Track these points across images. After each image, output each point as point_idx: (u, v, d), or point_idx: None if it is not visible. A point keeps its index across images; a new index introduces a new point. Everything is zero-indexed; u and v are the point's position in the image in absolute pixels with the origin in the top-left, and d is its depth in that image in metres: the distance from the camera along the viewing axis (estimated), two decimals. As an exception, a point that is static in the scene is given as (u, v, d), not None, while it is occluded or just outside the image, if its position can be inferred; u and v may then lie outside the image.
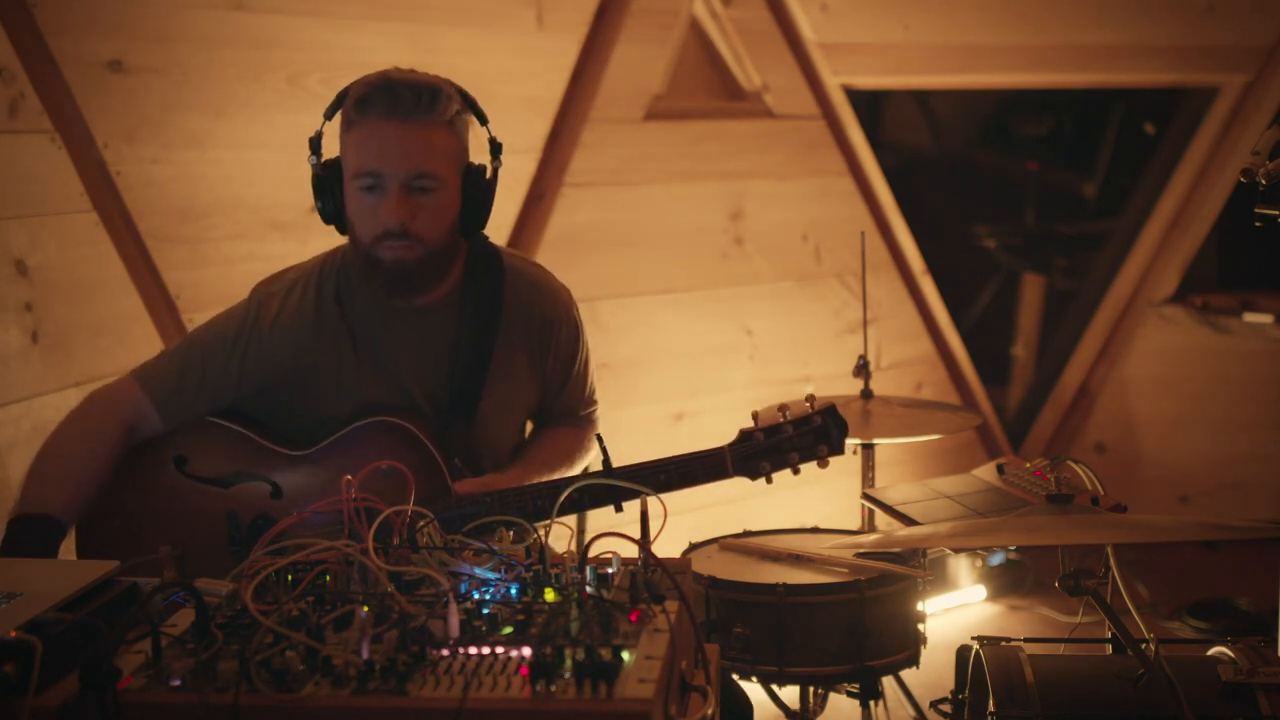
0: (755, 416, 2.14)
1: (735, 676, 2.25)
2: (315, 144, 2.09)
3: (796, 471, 2.15)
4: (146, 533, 2.08)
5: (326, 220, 2.13)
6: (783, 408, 2.14)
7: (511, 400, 2.25)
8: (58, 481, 2.08)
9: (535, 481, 2.20)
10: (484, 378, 2.18)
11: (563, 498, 1.82)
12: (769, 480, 2.13)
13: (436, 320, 2.17)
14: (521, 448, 2.34)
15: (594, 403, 2.41)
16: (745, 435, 2.13)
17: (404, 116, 2.00)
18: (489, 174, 2.12)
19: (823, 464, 2.14)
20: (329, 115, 2.08)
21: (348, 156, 2.07)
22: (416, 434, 2.09)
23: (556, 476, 2.28)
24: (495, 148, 2.14)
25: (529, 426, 2.39)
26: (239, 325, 2.16)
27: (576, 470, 2.35)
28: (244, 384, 2.16)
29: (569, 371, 2.31)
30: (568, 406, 2.36)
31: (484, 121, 2.13)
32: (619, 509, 2.04)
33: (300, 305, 2.16)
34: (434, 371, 2.18)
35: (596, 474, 1.94)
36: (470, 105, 2.11)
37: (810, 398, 2.15)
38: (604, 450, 2.05)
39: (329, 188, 2.09)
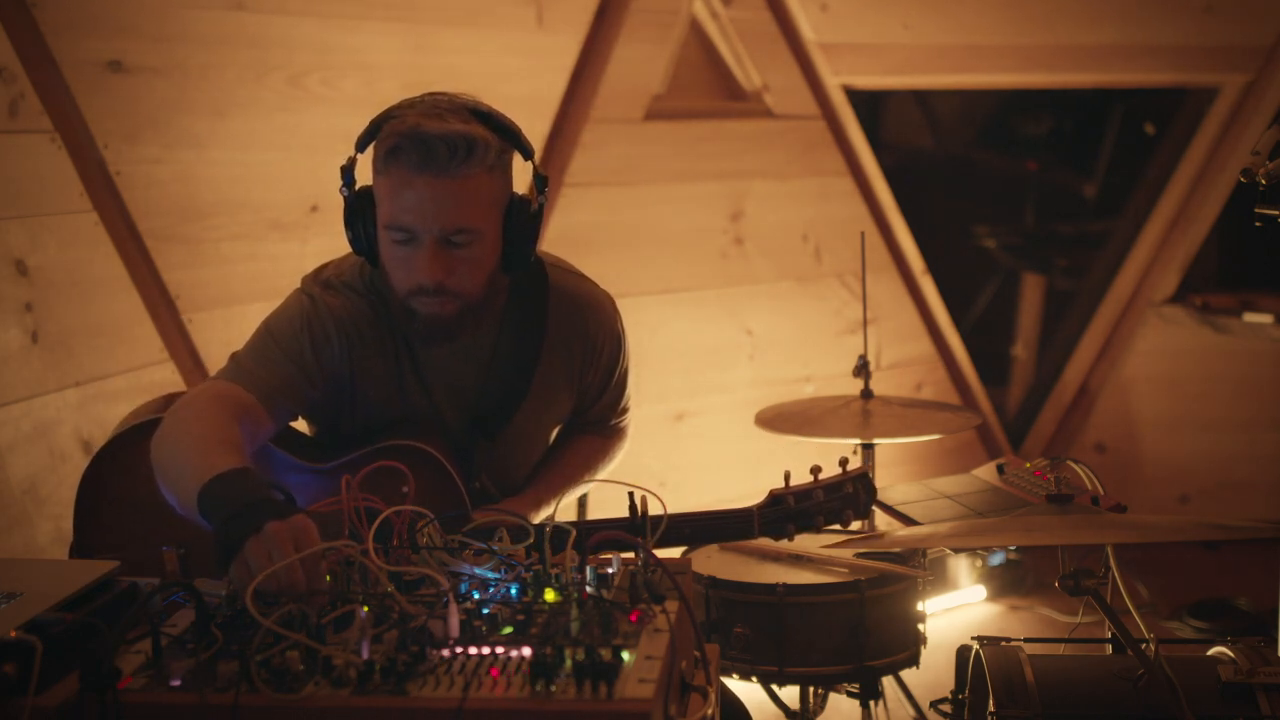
0: (787, 476, 2.09)
1: (735, 676, 2.25)
2: (346, 174, 1.95)
3: (819, 531, 2.14)
4: (151, 529, 2.07)
5: (358, 252, 2.00)
6: (815, 470, 2.11)
7: (545, 415, 2.21)
8: (208, 448, 1.77)
9: (554, 496, 2.17)
10: (521, 402, 2.13)
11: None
12: (790, 540, 2.12)
13: (477, 340, 2.10)
14: (546, 454, 2.29)
15: (626, 411, 2.34)
16: (776, 498, 2.08)
17: (437, 171, 1.86)
18: (534, 206, 1.98)
19: (844, 525, 2.12)
20: (360, 147, 1.94)
21: (380, 201, 1.93)
22: (438, 458, 2.04)
23: (578, 486, 2.25)
24: (540, 181, 1.99)
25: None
26: (304, 311, 2.04)
27: (598, 477, 2.30)
28: (327, 367, 2.03)
29: (607, 385, 2.25)
30: (601, 415, 2.30)
31: (528, 156, 1.98)
32: (638, 555, 2.00)
33: (353, 308, 2.05)
34: (471, 387, 2.12)
35: (620, 520, 1.90)
36: (513, 140, 1.96)
37: (844, 460, 2.12)
38: (632, 503, 1.96)
39: (360, 220, 1.95)
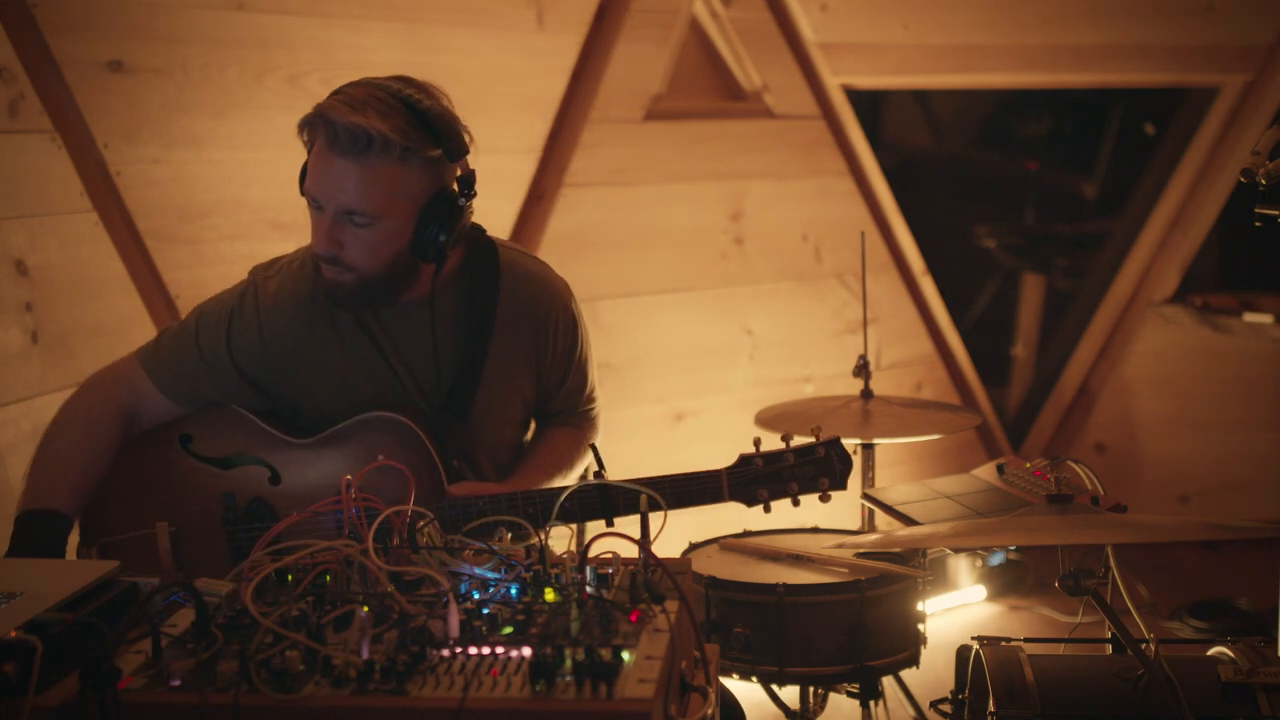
0: (757, 442, 2.11)
1: (735, 676, 2.25)
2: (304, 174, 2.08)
3: (796, 503, 2.13)
4: (145, 506, 2.12)
5: None
6: (786, 437, 2.12)
7: (507, 397, 2.23)
8: (60, 474, 2.11)
9: (534, 487, 2.19)
10: (479, 374, 2.17)
11: (555, 507, 1.80)
12: (767, 509, 2.11)
13: (424, 315, 2.14)
14: (522, 448, 2.33)
15: (594, 400, 2.38)
16: (745, 460, 2.10)
17: (341, 152, 1.97)
18: (460, 203, 2.04)
19: (824, 498, 2.12)
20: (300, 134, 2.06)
21: (308, 170, 2.07)
22: (415, 430, 2.09)
23: (557, 479, 2.27)
24: (464, 182, 2.05)
25: (532, 427, 2.37)
26: (232, 303, 2.18)
27: (577, 470, 2.33)
28: (241, 362, 2.16)
29: (567, 367, 2.28)
30: (568, 403, 2.33)
31: (454, 157, 2.03)
32: (610, 523, 2.02)
33: (289, 288, 2.16)
34: (427, 367, 2.17)
35: (590, 485, 1.93)
36: (436, 138, 2.00)
37: (816, 429, 2.13)
38: (599, 461, 2.02)
39: (301, 184, 2.09)
